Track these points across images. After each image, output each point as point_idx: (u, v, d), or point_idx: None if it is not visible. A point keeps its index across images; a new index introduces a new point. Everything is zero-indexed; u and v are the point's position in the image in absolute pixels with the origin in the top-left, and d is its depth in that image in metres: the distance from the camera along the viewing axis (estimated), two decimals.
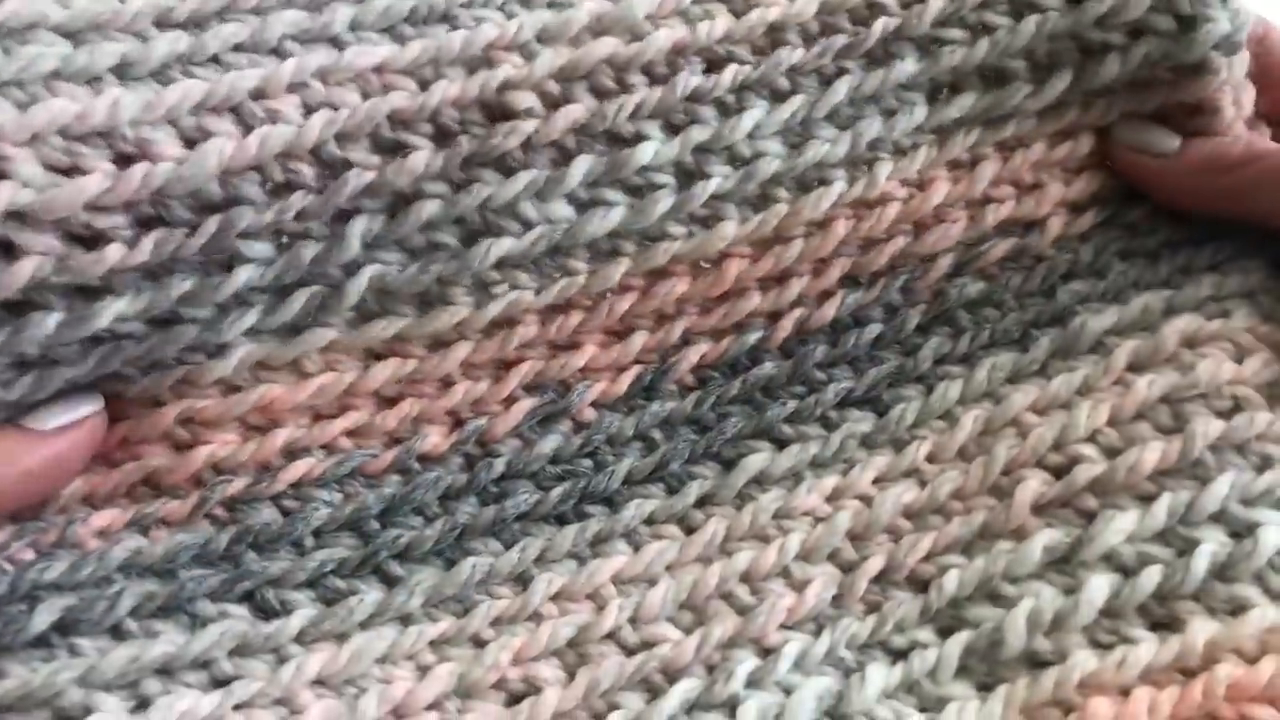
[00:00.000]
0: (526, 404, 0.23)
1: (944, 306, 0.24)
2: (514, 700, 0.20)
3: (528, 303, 0.22)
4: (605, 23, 0.23)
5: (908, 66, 0.23)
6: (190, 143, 0.20)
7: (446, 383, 0.23)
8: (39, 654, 0.19)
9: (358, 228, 0.21)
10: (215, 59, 0.21)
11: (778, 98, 0.23)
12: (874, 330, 0.24)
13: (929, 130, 0.24)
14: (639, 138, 0.22)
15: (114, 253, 0.19)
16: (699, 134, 0.22)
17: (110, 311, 0.19)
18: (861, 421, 0.23)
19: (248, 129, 0.20)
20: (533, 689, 0.20)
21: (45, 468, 0.20)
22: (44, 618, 0.19)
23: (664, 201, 0.22)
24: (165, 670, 0.19)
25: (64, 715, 0.19)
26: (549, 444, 0.23)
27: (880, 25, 0.23)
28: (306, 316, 0.21)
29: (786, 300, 0.24)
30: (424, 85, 0.21)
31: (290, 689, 0.20)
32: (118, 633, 0.20)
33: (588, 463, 0.23)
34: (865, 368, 0.24)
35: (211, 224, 0.20)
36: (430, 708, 0.20)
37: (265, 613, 0.20)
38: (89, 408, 0.21)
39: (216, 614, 0.20)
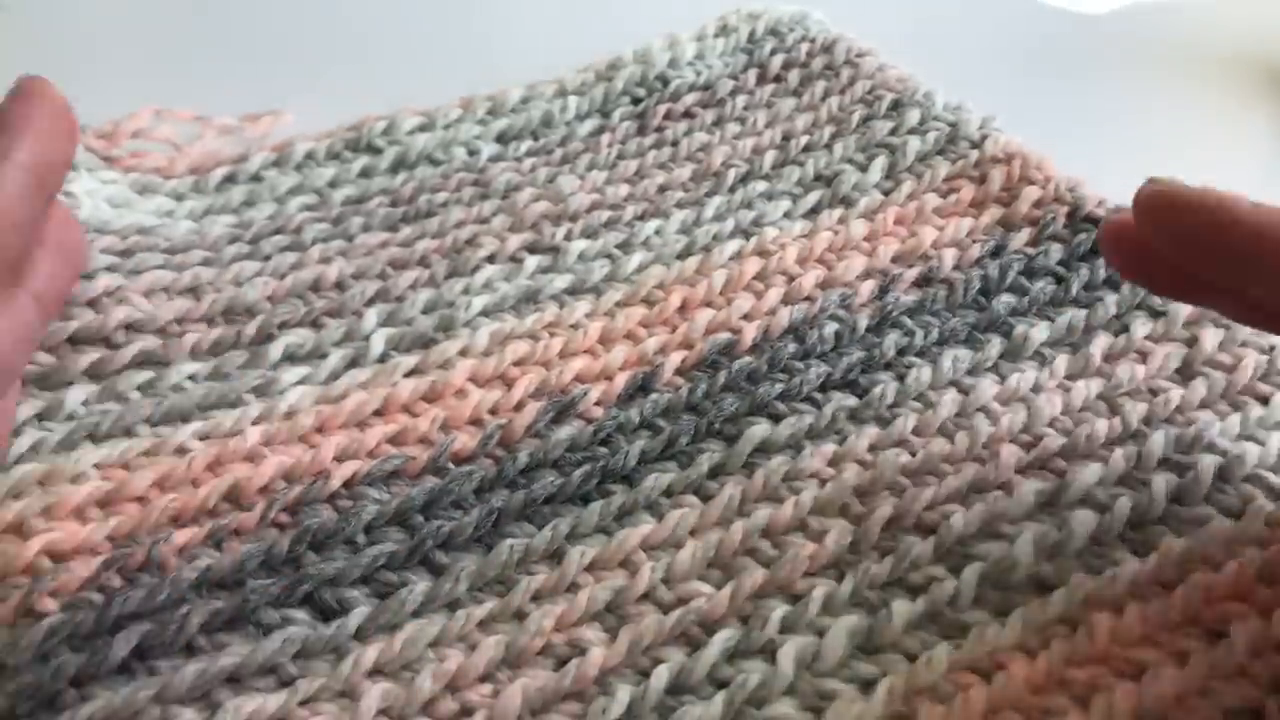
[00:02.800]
0: (537, 405, 0.25)
1: (886, 313, 0.28)
2: (561, 664, 0.21)
3: (512, 328, 0.27)
4: None
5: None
6: None
7: (463, 393, 0.26)
8: (121, 679, 0.20)
9: (373, 320, 0.27)
10: None
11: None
12: (832, 327, 0.27)
13: (798, 218, 0.31)
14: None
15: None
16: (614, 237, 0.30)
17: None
18: (846, 399, 0.26)
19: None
20: (578, 651, 0.21)
21: None
22: (123, 647, 0.21)
23: (598, 271, 0.29)
24: (234, 679, 0.21)
25: None
26: (565, 434, 0.25)
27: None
28: (342, 368, 0.27)
29: (737, 315, 0.28)
30: None
31: (350, 681, 0.20)
32: (190, 650, 0.21)
33: (603, 449, 0.25)
34: (835, 360, 0.26)
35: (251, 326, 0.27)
36: (482, 679, 0.21)
37: (324, 613, 0.22)
38: None
39: (279, 620, 0.21)
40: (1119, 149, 0.31)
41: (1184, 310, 0.27)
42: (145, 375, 0.26)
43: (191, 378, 0.26)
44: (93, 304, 0.27)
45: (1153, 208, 0.22)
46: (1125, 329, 0.27)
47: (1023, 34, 0.43)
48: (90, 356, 0.25)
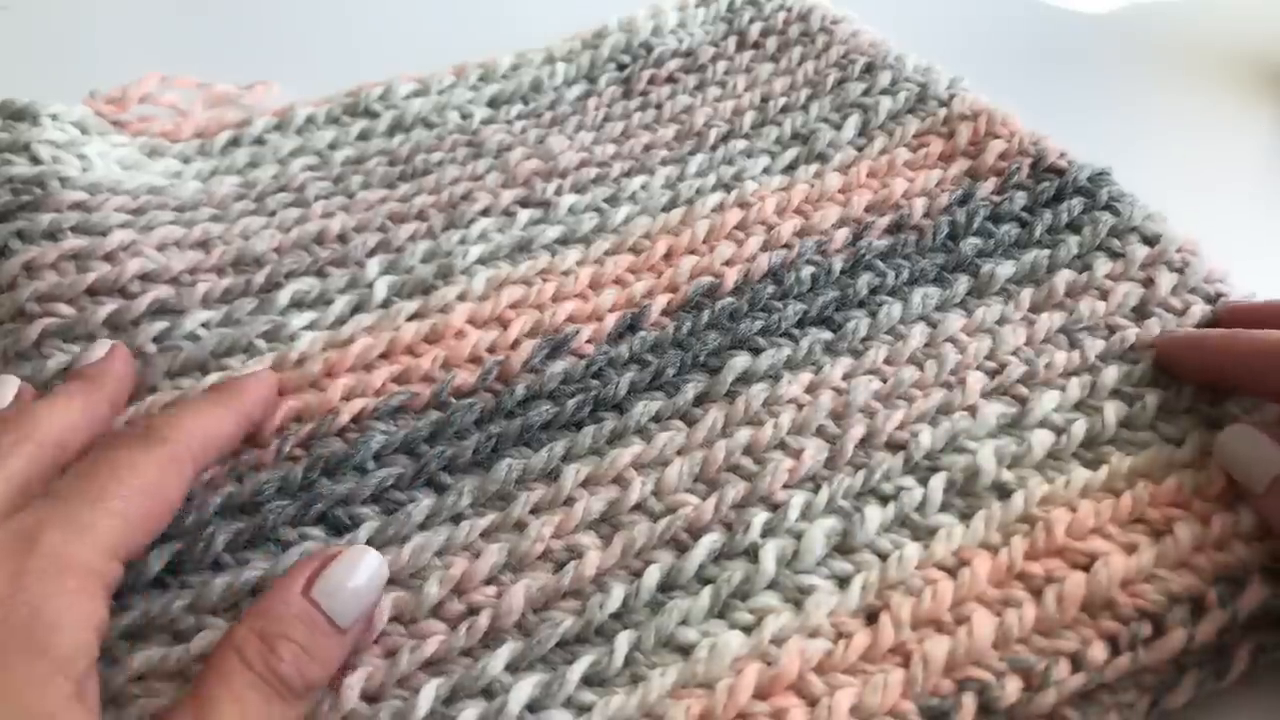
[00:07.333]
0: (532, 343, 0.27)
1: (859, 256, 0.29)
2: (559, 567, 0.22)
3: (507, 274, 0.29)
4: None
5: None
6: None
7: (462, 335, 0.27)
8: (156, 592, 0.22)
9: (375, 269, 0.29)
10: None
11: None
12: (809, 270, 0.29)
13: (776, 173, 0.32)
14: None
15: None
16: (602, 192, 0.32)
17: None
18: (821, 334, 0.27)
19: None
20: (575, 555, 0.23)
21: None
22: (157, 563, 0.22)
23: (587, 223, 0.31)
24: (259, 590, 0.22)
25: (181, 636, 0.21)
26: (559, 368, 0.26)
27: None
28: (348, 313, 0.28)
29: (719, 261, 0.29)
30: None
31: None
32: (217, 566, 0.23)
33: (595, 381, 0.26)
34: (812, 299, 0.28)
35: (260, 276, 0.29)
36: (487, 582, 0.22)
37: (337, 530, 0.23)
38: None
39: (296, 537, 0.23)
40: (1119, 148, 0.31)
41: (1142, 251, 0.29)
42: (161, 325, 0.27)
43: (204, 325, 0.27)
44: (108, 257, 0.28)
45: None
46: (1088, 267, 0.29)
47: (1023, 34, 0.43)
48: (108, 307, 0.27)
